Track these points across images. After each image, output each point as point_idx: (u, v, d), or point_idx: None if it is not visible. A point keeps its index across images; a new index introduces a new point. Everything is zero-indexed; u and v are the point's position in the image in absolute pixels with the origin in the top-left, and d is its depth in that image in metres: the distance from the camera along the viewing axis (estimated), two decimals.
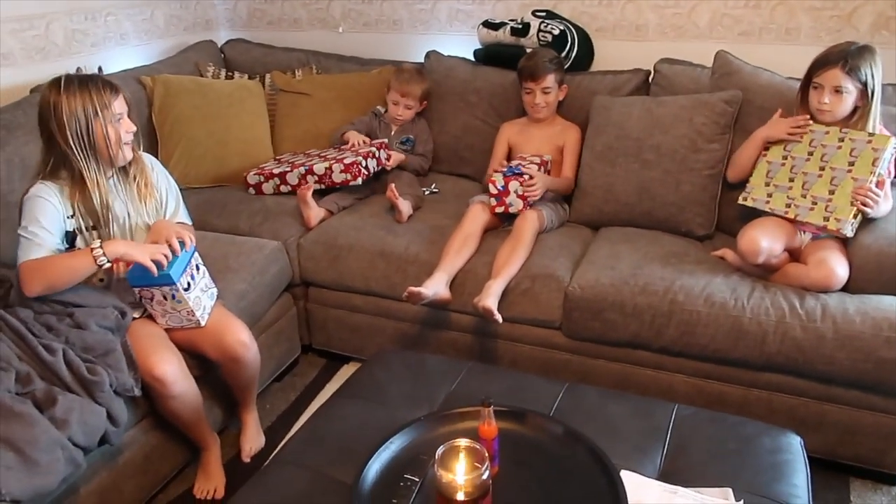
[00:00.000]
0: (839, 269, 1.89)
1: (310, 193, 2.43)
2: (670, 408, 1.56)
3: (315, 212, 2.45)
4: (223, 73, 3.01)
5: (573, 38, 2.69)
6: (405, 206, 2.40)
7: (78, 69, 1.74)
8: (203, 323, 1.84)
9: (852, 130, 1.98)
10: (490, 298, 2.02)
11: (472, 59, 2.88)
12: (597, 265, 2.13)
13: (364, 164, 2.51)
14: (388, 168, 2.65)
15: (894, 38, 2.43)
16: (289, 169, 2.58)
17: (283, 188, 2.60)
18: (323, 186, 2.55)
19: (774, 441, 1.46)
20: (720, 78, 2.40)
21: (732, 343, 1.90)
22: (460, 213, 2.41)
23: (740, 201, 2.16)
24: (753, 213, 2.14)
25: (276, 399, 2.33)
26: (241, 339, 1.88)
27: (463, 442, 1.19)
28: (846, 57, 1.96)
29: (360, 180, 2.51)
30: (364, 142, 2.65)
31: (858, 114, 2.02)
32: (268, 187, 2.62)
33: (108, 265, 1.68)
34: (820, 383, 1.88)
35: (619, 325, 2.02)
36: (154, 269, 1.68)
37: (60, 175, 1.74)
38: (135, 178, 1.84)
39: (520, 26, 2.72)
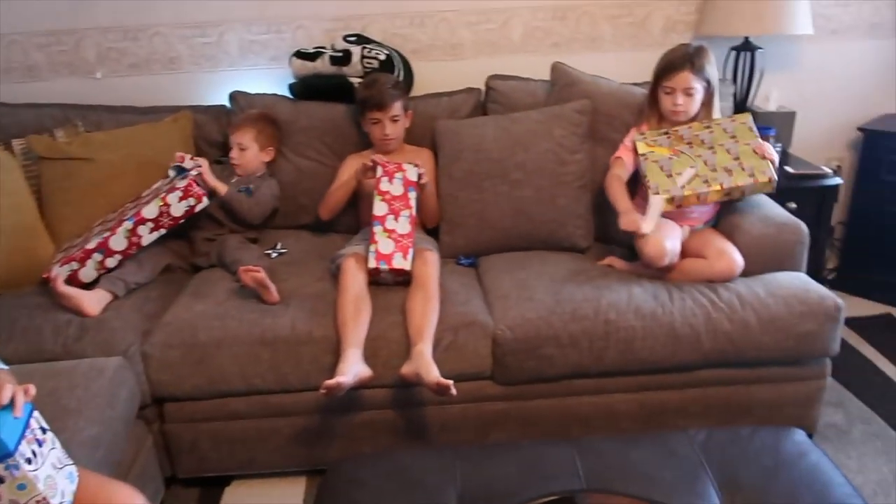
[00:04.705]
0: (737, 256, 1.99)
1: (61, 279, 1.90)
2: (686, 436, 1.47)
3: (87, 298, 1.90)
4: None
5: (399, 62, 2.50)
6: (272, 285, 1.95)
7: None
8: None
9: (711, 119, 2.11)
10: (433, 368, 1.73)
11: (290, 94, 2.52)
12: (511, 299, 1.97)
13: (199, 181, 2.14)
14: (203, 190, 2.11)
15: (681, 39, 2.66)
16: (109, 234, 1.97)
17: (110, 261, 1.98)
18: (164, 231, 2.06)
19: (792, 443, 1.45)
20: (562, 89, 2.40)
21: (671, 350, 1.88)
22: (327, 271, 2.07)
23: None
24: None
25: None
26: None
27: None
28: (691, 59, 2.07)
29: (205, 200, 2.10)
30: None
31: (703, 110, 2.16)
32: (88, 272, 1.97)
33: None
34: (748, 368, 1.95)
35: (557, 359, 1.88)
36: None
37: None
38: None
39: (340, 54, 2.43)
